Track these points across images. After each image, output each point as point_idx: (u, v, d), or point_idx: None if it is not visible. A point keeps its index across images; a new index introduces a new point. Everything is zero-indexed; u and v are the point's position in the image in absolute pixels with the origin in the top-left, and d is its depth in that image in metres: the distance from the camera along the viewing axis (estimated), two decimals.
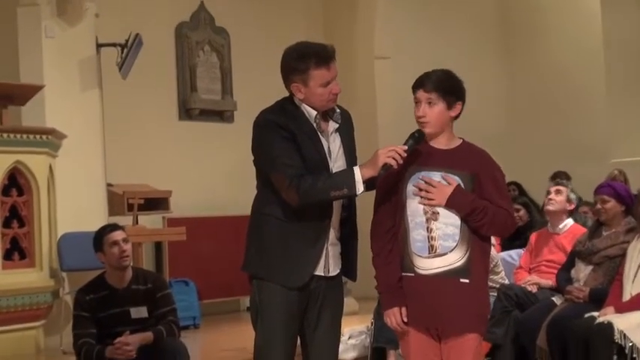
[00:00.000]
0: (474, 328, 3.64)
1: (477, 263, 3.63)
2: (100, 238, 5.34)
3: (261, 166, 3.86)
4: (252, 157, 3.89)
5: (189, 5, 10.05)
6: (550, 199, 6.51)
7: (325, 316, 3.92)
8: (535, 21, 11.94)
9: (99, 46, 8.16)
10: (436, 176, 3.63)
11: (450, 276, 3.60)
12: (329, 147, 3.85)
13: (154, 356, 5.09)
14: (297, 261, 3.78)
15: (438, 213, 3.61)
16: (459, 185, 3.60)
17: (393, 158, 3.57)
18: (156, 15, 9.51)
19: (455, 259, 3.60)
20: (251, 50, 10.08)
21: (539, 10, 11.93)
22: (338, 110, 3.93)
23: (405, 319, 3.69)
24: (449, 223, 3.61)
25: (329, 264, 3.86)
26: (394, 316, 3.70)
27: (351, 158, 3.88)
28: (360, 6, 10.91)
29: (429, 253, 3.62)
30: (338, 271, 3.91)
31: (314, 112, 3.83)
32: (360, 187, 3.63)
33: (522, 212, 7.74)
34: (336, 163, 3.84)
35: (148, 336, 5.14)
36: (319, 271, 3.83)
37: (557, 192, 6.50)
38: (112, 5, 8.65)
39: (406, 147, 3.62)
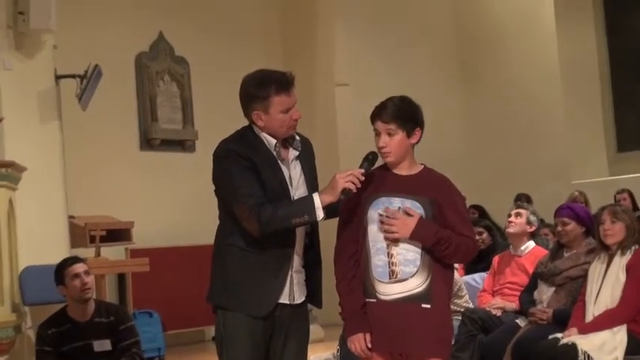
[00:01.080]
0: (437, 354, 3.64)
1: (439, 288, 3.63)
2: (61, 271, 5.29)
3: (222, 196, 3.84)
4: (214, 187, 3.89)
5: (148, 35, 10.05)
6: (510, 222, 6.57)
7: (291, 344, 3.90)
8: (492, 45, 12.06)
9: (58, 77, 8.11)
10: (396, 202, 3.64)
11: (411, 301, 3.60)
12: (290, 175, 3.84)
13: None
14: (262, 290, 3.76)
15: (399, 239, 3.62)
16: (421, 217, 3.61)
17: (352, 182, 3.58)
18: (115, 45, 9.50)
19: (416, 284, 3.61)
20: (211, 79, 10.08)
21: (496, 34, 12.06)
22: (298, 138, 3.93)
23: (369, 345, 3.68)
24: (410, 249, 3.62)
25: (294, 292, 3.83)
26: (358, 342, 3.69)
27: (312, 185, 3.88)
28: (319, 33, 10.99)
29: (390, 279, 3.62)
30: (303, 298, 3.89)
31: (274, 141, 3.82)
32: (320, 214, 3.62)
33: (485, 235, 7.78)
34: (298, 190, 3.84)
35: None
36: (284, 299, 3.81)
37: (517, 215, 6.56)
38: (70, 36, 8.62)
39: (363, 170, 3.63)
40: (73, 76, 8.16)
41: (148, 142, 9.84)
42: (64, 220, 7.94)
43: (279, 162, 3.83)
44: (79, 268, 5.28)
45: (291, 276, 3.81)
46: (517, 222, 6.53)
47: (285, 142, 3.88)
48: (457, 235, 3.63)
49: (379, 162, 3.77)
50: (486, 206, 9.70)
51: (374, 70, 11.03)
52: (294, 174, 3.87)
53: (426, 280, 3.61)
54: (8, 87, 7.63)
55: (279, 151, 3.84)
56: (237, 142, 3.83)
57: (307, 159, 3.96)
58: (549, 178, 10.87)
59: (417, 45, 11.70)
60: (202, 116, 10.05)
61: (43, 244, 7.46)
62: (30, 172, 7.21)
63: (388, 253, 3.63)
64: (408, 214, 3.60)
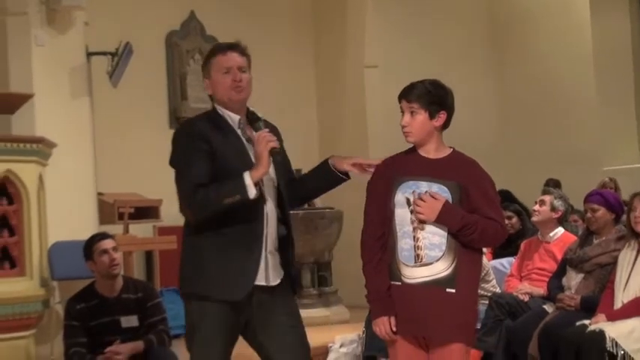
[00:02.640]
0: (459, 338, 3.64)
1: (465, 273, 3.62)
2: (89, 246, 5.32)
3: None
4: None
5: (179, 14, 10.05)
6: (534, 211, 6.52)
7: (278, 316, 3.82)
8: (525, 29, 11.95)
9: (89, 54, 8.15)
10: (423, 186, 3.64)
11: (435, 285, 3.60)
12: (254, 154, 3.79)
13: None
14: (235, 273, 3.70)
15: (426, 221, 3.61)
16: (447, 201, 3.59)
17: (270, 141, 3.63)
18: (146, 23, 9.51)
19: (441, 268, 3.60)
20: None
21: (529, 18, 11.95)
22: (262, 118, 3.88)
23: (394, 328, 3.68)
24: (435, 233, 3.61)
25: (269, 274, 3.79)
26: (383, 325, 3.70)
27: (282, 169, 3.85)
28: (350, 15, 10.92)
29: (415, 263, 3.62)
30: (278, 280, 3.83)
31: (237, 117, 3.83)
32: (252, 191, 3.61)
33: (515, 220, 7.73)
34: None
35: (138, 345, 5.12)
36: (260, 281, 3.76)
37: (541, 202, 6.49)
38: (102, 14, 8.65)
39: (266, 129, 3.72)
40: (104, 54, 8.19)
41: (177, 121, 9.85)
42: (93, 196, 7.99)
43: (244, 140, 3.82)
44: (108, 244, 5.31)
45: (266, 257, 3.77)
46: (540, 210, 6.48)
47: (250, 121, 3.86)
48: (484, 219, 3.61)
49: (403, 146, 3.75)
50: (516, 191, 9.63)
51: (404, 53, 10.96)
52: None
53: (452, 264, 3.61)
54: (40, 63, 7.66)
55: (243, 129, 3.84)
56: (200, 121, 3.86)
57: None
58: (580, 163, 10.78)
59: (449, 27, 11.61)
60: None
61: (72, 220, 7.51)
62: (60, 149, 7.25)
63: (414, 237, 3.63)
64: (434, 197, 3.59)
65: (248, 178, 3.61)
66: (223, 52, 3.85)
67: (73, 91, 7.90)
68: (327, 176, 3.90)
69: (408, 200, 3.64)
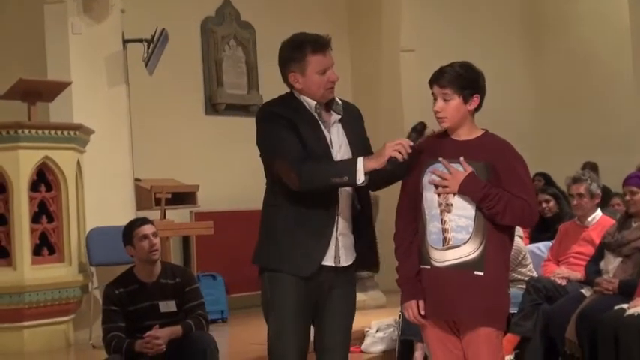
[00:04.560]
0: (489, 322, 3.62)
1: (493, 256, 3.59)
2: (129, 231, 5.36)
3: (265, 155, 3.86)
4: (259, 153, 3.90)
5: (214, 0, 10.06)
6: (575, 205, 6.43)
7: (334, 307, 3.88)
8: (560, 10, 11.86)
9: (125, 42, 8.19)
10: (451, 168, 3.62)
11: (463, 268, 3.58)
12: (330, 138, 3.83)
13: (183, 350, 5.11)
14: (306, 249, 3.76)
15: (452, 205, 3.60)
16: (472, 172, 3.57)
17: (399, 152, 3.56)
18: (181, 10, 9.54)
19: (468, 251, 3.58)
20: (276, 44, 9.88)
21: (565, 2, 11.85)
22: (340, 102, 3.91)
23: (422, 312, 3.69)
24: (462, 215, 3.59)
25: (339, 254, 3.82)
26: (411, 309, 3.72)
27: (359, 151, 3.82)
28: None
29: (443, 246, 3.61)
30: (350, 262, 3.88)
31: (313, 103, 3.83)
32: (360, 177, 3.60)
33: (552, 203, 7.67)
34: (339, 154, 3.82)
35: (177, 329, 5.16)
36: (329, 261, 3.80)
37: (579, 196, 6.40)
38: (137, 1, 8.68)
39: (411, 142, 3.61)
40: (140, 41, 8.23)
41: (213, 107, 9.89)
42: (130, 182, 8.04)
43: (321, 124, 3.83)
44: (148, 229, 5.34)
45: (337, 238, 3.80)
46: (582, 203, 6.39)
47: (327, 105, 3.88)
48: (511, 195, 3.56)
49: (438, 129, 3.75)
50: (554, 174, 9.57)
51: (440, 37, 10.92)
52: (335, 137, 3.85)
53: (479, 246, 3.58)
54: (77, 51, 7.73)
55: (320, 113, 3.84)
56: (278, 105, 3.86)
57: (352, 124, 3.93)
58: (617, 146, 10.69)
59: (485, 11, 11.55)
60: (267, 81, 10.04)
61: (110, 206, 7.58)
62: (97, 135, 7.33)
63: (441, 220, 3.62)
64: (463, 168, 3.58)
65: (361, 164, 3.61)
66: (323, 53, 3.81)
67: (109, 79, 7.95)
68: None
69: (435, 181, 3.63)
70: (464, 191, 3.56)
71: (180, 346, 5.12)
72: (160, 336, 5.07)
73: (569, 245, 6.47)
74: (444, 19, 11.18)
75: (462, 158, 3.60)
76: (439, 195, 3.62)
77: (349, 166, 3.64)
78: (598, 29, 11.44)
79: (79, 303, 7.10)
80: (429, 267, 3.65)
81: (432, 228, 3.63)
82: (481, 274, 3.57)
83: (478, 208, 3.58)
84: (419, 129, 3.68)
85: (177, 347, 5.11)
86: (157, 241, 5.34)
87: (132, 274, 5.34)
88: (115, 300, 5.21)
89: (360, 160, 3.62)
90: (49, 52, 7.68)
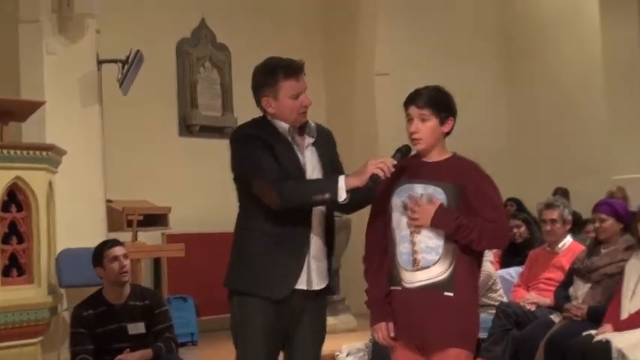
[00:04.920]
0: (459, 344, 3.62)
1: (463, 277, 3.61)
2: (100, 253, 5.34)
3: (240, 177, 3.86)
4: (232, 175, 3.90)
5: (190, 22, 10.09)
6: (548, 231, 6.46)
7: (304, 331, 3.89)
8: (535, 38, 11.95)
9: (100, 62, 8.17)
10: (419, 188, 3.64)
11: (433, 289, 3.59)
12: (304, 161, 3.86)
13: None
14: (279, 273, 3.77)
15: (421, 226, 3.61)
16: (441, 204, 3.58)
17: (382, 170, 3.58)
18: (157, 31, 9.54)
19: (438, 272, 3.59)
20: (251, 67, 9.93)
21: (539, 28, 11.94)
22: (313, 125, 3.94)
23: (392, 334, 3.69)
24: (432, 236, 3.60)
25: (311, 277, 3.84)
26: (381, 332, 3.73)
27: (332, 173, 3.84)
28: (360, 22, 10.94)
29: (413, 267, 3.62)
30: (323, 286, 3.89)
31: (287, 126, 3.85)
32: (342, 194, 3.61)
33: (523, 229, 7.72)
34: (312, 176, 3.85)
35: (147, 353, 5.14)
36: (301, 285, 3.81)
37: (552, 222, 6.45)
38: (113, 22, 8.68)
39: (395, 161, 3.64)
40: (114, 61, 8.22)
41: (187, 128, 9.89)
42: (102, 203, 8.01)
43: (294, 147, 3.85)
44: (119, 251, 5.33)
45: (309, 262, 3.81)
46: (555, 228, 6.43)
47: (300, 129, 3.90)
48: (481, 220, 3.58)
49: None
50: (525, 199, 9.62)
51: (415, 61, 10.96)
52: (308, 160, 3.88)
53: (449, 267, 3.59)
54: (51, 71, 7.70)
55: (293, 136, 3.87)
56: (252, 127, 3.88)
57: (325, 148, 3.96)
58: (589, 172, 10.75)
59: (460, 35, 11.61)
60: (242, 103, 10.05)
61: (81, 227, 7.53)
62: (70, 156, 7.26)
63: (411, 241, 3.63)
64: (431, 201, 3.59)
65: (342, 182, 3.63)
66: (296, 78, 3.84)
67: (83, 99, 7.93)
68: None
69: (404, 204, 3.65)
70: (436, 224, 3.57)
71: None
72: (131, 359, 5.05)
73: (539, 271, 6.50)
74: (418, 43, 11.23)
75: (429, 192, 3.60)
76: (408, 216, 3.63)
77: (331, 183, 3.66)
78: (571, 56, 11.53)
79: (48, 325, 7.00)
80: (400, 288, 3.66)
81: (402, 249, 3.65)
82: (451, 294, 3.58)
83: None
84: (404, 150, 3.71)
85: None
86: (127, 262, 5.33)
87: (101, 296, 5.32)
88: (83, 322, 5.19)
89: (342, 178, 3.65)
90: (23, 71, 7.64)
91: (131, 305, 5.29)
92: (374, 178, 3.59)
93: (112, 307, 5.25)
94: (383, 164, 3.59)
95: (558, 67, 11.64)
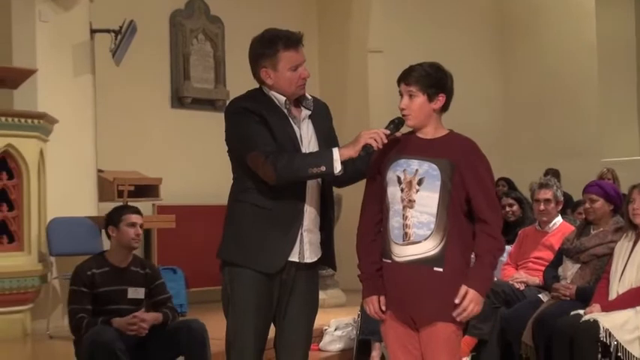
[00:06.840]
0: (447, 317, 3.62)
1: (454, 253, 3.61)
2: (118, 214, 5.39)
3: (235, 150, 3.85)
4: (227, 148, 3.89)
5: None
6: (542, 211, 6.48)
7: (296, 304, 3.88)
8: (530, 20, 11.95)
9: (93, 31, 8.13)
10: (414, 164, 3.64)
11: (423, 264, 3.59)
12: (300, 133, 3.84)
13: (179, 335, 5.16)
14: (271, 245, 3.76)
15: (414, 201, 3.62)
16: (470, 283, 3.60)
17: (375, 140, 3.59)
18: (151, 2, 9.49)
19: (428, 247, 3.60)
20: (245, 40, 9.81)
21: (534, 8, 11.95)
22: (310, 97, 3.92)
23: (383, 307, 3.71)
24: (424, 212, 3.60)
25: (304, 250, 3.83)
26: (372, 305, 3.74)
27: (327, 147, 3.82)
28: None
29: (404, 241, 3.63)
30: (315, 259, 3.88)
31: (283, 98, 3.83)
32: (337, 166, 3.62)
33: (515, 207, 7.71)
34: (307, 149, 3.83)
35: (158, 317, 5.20)
36: (293, 257, 3.80)
37: (546, 201, 6.48)
38: None
39: (388, 131, 3.66)
40: (107, 31, 8.18)
41: (179, 100, 9.86)
42: (93, 173, 8.00)
43: (290, 119, 3.84)
44: (138, 219, 5.41)
45: (302, 234, 3.80)
46: (549, 208, 6.46)
47: (297, 101, 3.88)
48: (488, 256, 3.63)
49: (406, 129, 3.78)
50: (516, 179, 9.64)
51: (408, 38, 10.95)
52: (304, 133, 3.86)
53: (440, 243, 3.60)
54: (43, 39, 7.66)
55: (289, 109, 3.85)
56: (248, 100, 3.85)
57: (321, 120, 3.95)
58: (580, 154, 10.80)
59: (455, 14, 11.61)
60: (234, 77, 10.02)
61: (72, 196, 7.53)
62: (61, 125, 7.26)
63: (403, 215, 3.63)
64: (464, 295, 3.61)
65: (337, 153, 3.63)
66: (295, 49, 3.80)
67: (75, 68, 7.90)
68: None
69: (399, 178, 3.65)
70: (484, 292, 3.64)
71: (175, 332, 5.17)
72: (147, 319, 5.10)
73: (528, 250, 6.53)
74: (412, 20, 11.22)
75: (424, 168, 3.63)
76: (402, 190, 3.64)
77: (325, 155, 3.65)
78: (565, 38, 11.55)
79: (38, 293, 7.04)
80: (390, 261, 3.67)
81: (394, 223, 3.65)
82: (441, 270, 3.59)
83: (440, 206, 3.60)
84: (397, 122, 3.71)
85: (172, 333, 5.17)
86: (141, 231, 5.41)
87: (103, 258, 5.35)
88: (85, 281, 5.19)
89: (336, 150, 3.65)
90: (15, 38, 7.60)
91: (133, 271, 5.33)
92: (367, 148, 3.60)
93: (116, 269, 5.28)
94: (376, 134, 3.61)
95: (552, 49, 11.66)
